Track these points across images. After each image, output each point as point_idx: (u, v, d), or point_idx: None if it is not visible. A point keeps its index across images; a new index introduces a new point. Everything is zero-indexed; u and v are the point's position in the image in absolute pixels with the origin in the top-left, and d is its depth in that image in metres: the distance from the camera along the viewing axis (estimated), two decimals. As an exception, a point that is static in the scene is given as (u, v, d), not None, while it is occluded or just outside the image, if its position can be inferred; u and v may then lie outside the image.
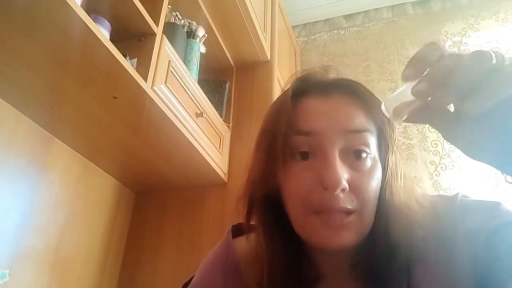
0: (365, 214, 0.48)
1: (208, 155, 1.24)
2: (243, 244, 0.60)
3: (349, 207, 0.46)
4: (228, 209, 1.34)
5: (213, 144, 1.29)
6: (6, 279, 0.93)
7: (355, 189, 0.47)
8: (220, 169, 1.33)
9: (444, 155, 1.83)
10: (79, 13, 0.73)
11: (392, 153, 0.53)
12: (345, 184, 0.46)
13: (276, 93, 1.57)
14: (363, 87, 0.54)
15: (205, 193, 1.41)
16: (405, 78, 0.36)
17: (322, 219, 0.47)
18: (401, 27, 2.29)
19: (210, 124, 1.29)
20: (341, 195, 0.46)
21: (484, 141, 0.36)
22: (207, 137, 1.24)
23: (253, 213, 0.57)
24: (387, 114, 0.39)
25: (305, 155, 0.49)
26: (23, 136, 1.02)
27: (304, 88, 0.54)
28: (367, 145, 0.49)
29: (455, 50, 2.06)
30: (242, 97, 1.59)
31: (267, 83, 1.61)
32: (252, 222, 0.58)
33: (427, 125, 1.82)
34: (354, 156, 0.49)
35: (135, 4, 0.93)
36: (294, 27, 2.50)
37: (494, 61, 0.31)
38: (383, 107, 0.39)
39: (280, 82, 1.71)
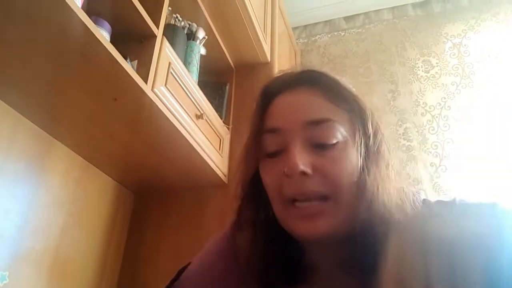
0: (341, 199, 0.48)
1: (208, 156, 1.24)
2: (243, 238, 0.60)
3: (319, 189, 0.47)
4: (228, 210, 1.34)
5: (213, 146, 1.29)
6: (6, 281, 0.92)
7: (322, 172, 0.48)
8: (220, 170, 1.33)
9: (445, 156, 1.83)
10: (79, 15, 0.73)
11: (368, 138, 0.52)
12: (302, 167, 0.47)
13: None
14: (325, 75, 0.55)
15: (205, 194, 1.41)
16: None
17: (296, 209, 0.48)
18: (402, 29, 2.29)
19: (210, 126, 1.29)
20: (307, 180, 0.47)
21: None
22: (207, 139, 1.24)
23: (242, 210, 0.59)
24: None
25: (274, 154, 0.52)
26: (22, 137, 1.01)
27: (275, 87, 0.56)
28: (331, 133, 0.49)
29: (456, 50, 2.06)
30: (242, 99, 1.59)
31: (267, 84, 1.60)
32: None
33: (427, 127, 1.81)
34: (318, 145, 0.49)
35: (135, 6, 0.93)
36: (294, 28, 2.50)
37: None
38: None
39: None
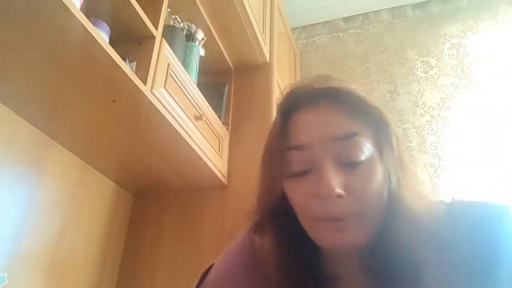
0: (367, 215, 0.49)
1: (208, 157, 1.24)
2: (264, 248, 0.60)
3: (350, 210, 0.47)
4: (228, 212, 1.34)
5: (212, 147, 1.29)
6: (5, 283, 0.92)
7: (353, 192, 0.48)
8: (220, 171, 1.33)
9: (444, 157, 1.83)
10: (78, 17, 0.73)
11: (392, 151, 0.52)
12: (338, 190, 0.47)
13: (276, 96, 1.57)
14: (347, 92, 0.53)
15: (204, 195, 1.41)
16: None
17: (326, 223, 0.49)
18: (401, 29, 2.29)
19: (210, 127, 1.29)
20: (339, 201, 0.47)
21: None
22: (206, 140, 1.24)
23: (265, 225, 0.58)
24: None
25: (301, 173, 0.51)
26: (21, 139, 1.01)
27: (293, 103, 0.54)
28: (359, 149, 0.49)
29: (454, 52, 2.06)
30: (241, 100, 1.59)
31: (266, 85, 1.60)
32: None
33: (426, 127, 1.83)
34: (347, 161, 0.49)
35: (134, 8, 0.93)
36: (293, 29, 2.50)
37: None
38: None
39: (279, 84, 1.71)
